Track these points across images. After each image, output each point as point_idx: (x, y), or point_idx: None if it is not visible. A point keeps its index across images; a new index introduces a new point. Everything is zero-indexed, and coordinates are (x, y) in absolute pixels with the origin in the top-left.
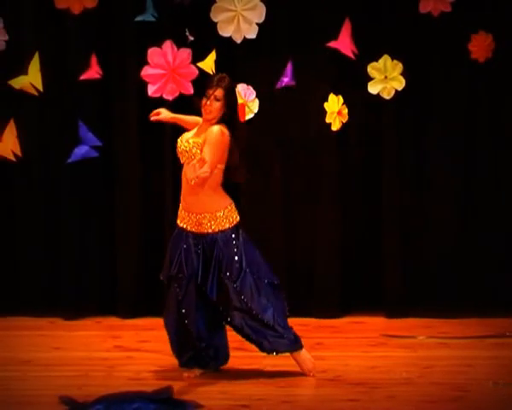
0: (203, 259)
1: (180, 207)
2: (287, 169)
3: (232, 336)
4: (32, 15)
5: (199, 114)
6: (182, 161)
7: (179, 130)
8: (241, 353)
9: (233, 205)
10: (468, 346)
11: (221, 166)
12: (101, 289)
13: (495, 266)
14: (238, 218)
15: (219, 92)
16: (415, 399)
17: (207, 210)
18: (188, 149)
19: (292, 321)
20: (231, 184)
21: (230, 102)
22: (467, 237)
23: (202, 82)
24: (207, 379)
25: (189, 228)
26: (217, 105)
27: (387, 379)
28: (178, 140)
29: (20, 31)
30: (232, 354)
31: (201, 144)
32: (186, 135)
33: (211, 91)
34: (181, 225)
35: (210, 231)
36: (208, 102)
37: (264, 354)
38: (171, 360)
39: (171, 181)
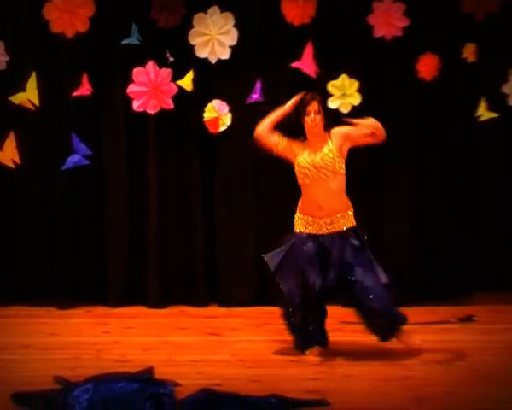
0: (336, 255)
1: (304, 217)
2: (258, 176)
3: (205, 323)
4: (30, 39)
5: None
6: (306, 182)
7: (162, 141)
8: (215, 338)
9: None
10: (416, 331)
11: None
12: (92, 282)
13: (442, 262)
14: None
15: (317, 106)
16: (369, 377)
17: (337, 211)
18: (329, 162)
19: (260, 309)
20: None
21: (324, 110)
22: (418, 234)
23: (181, 98)
24: (185, 362)
25: (320, 232)
26: (319, 117)
27: (345, 360)
28: (302, 161)
29: (20, 52)
30: (207, 338)
31: (336, 153)
32: (307, 155)
33: (310, 108)
34: (307, 230)
35: (341, 229)
36: (312, 117)
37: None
38: (153, 344)
39: (155, 184)
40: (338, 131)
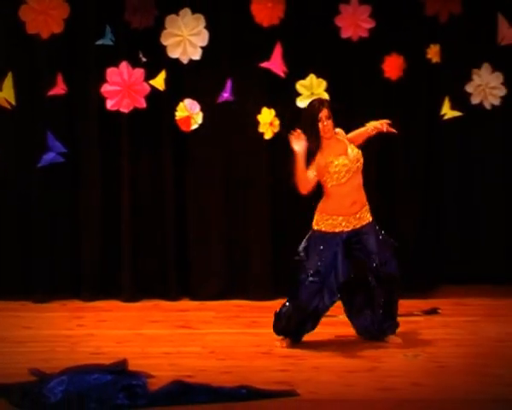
0: (362, 247)
1: (333, 217)
2: (227, 170)
3: (177, 316)
4: (6, 39)
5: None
6: (343, 181)
7: (135, 139)
8: (187, 330)
9: None
10: None
11: None
12: (67, 276)
13: (407, 255)
14: None
15: (327, 111)
16: (336, 369)
17: (364, 203)
18: (358, 158)
19: (231, 303)
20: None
21: (333, 114)
22: (382, 230)
23: (154, 97)
24: (157, 354)
25: (349, 228)
26: (330, 122)
27: (313, 353)
28: (339, 160)
29: None
30: (179, 331)
31: (358, 155)
32: (338, 156)
33: (321, 114)
34: (337, 230)
35: (368, 221)
36: (325, 123)
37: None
38: (127, 337)
39: (127, 181)
40: (341, 132)
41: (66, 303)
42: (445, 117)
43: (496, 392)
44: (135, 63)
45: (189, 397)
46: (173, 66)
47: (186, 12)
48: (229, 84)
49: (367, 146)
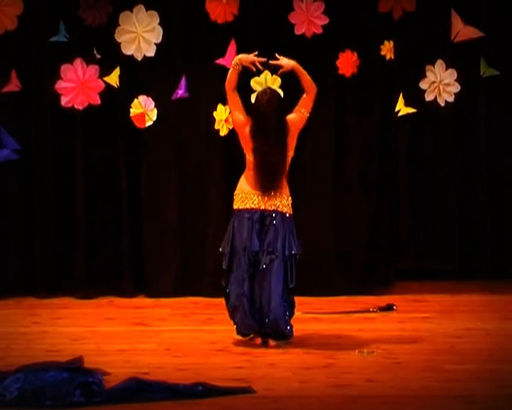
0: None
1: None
2: (182, 167)
3: (133, 313)
4: None
5: None
6: None
7: (89, 136)
8: (143, 327)
9: None
10: (337, 320)
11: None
12: (21, 274)
13: (361, 251)
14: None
15: None
16: (292, 366)
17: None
18: None
19: (187, 300)
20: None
21: None
22: (339, 226)
23: (108, 94)
24: (113, 351)
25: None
26: None
27: (269, 349)
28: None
29: None
30: (135, 328)
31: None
32: None
33: None
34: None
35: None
36: None
37: None
38: (83, 334)
39: (81, 179)
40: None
41: (21, 301)
42: (399, 114)
43: (452, 388)
44: (89, 60)
45: (145, 394)
46: (127, 62)
47: (140, 8)
48: (183, 80)
49: (323, 142)
